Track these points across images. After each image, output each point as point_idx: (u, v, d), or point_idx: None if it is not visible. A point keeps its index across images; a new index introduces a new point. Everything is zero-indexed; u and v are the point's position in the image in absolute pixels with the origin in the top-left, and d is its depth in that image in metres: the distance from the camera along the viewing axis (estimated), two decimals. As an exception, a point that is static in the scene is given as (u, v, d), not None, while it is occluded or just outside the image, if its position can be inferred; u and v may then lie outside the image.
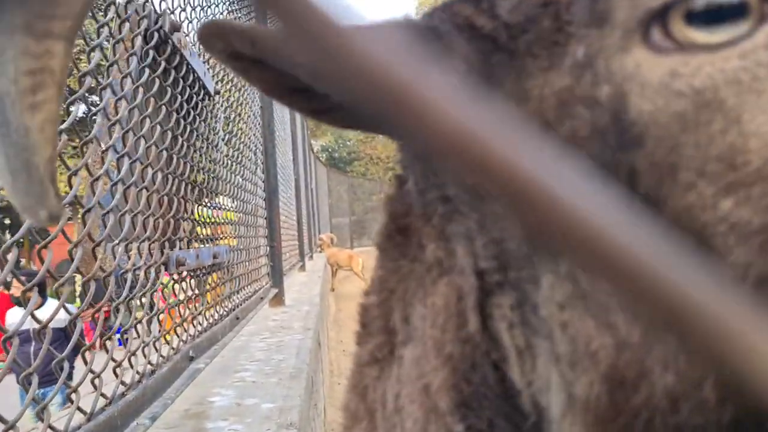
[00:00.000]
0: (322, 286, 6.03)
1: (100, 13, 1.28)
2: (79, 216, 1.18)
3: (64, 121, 1.05)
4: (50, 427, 1.00)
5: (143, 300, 1.49)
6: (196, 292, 1.97)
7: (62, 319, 1.40)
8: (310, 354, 2.47)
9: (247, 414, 1.66)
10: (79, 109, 1.15)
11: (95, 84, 1.18)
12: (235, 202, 2.67)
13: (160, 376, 1.50)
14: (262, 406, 1.73)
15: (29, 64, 0.27)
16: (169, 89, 1.72)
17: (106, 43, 1.29)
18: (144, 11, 1.51)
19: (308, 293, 4.62)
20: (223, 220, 2.40)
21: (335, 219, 18.28)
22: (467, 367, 0.35)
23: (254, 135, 3.52)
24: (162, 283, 1.60)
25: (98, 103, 1.30)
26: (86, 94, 1.18)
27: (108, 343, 1.26)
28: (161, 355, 1.60)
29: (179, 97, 1.84)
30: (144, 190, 1.50)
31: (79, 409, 1.11)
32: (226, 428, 1.57)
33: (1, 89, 0.27)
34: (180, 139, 1.85)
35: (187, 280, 1.91)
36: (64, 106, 1.06)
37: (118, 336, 1.44)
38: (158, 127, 1.61)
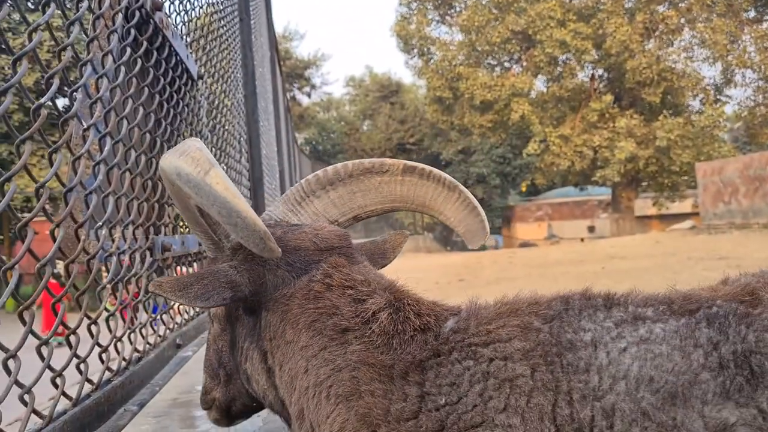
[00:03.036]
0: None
1: (79, -14, 1.23)
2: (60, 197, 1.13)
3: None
4: (34, 411, 0.96)
5: (130, 284, 1.45)
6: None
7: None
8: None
9: (237, 401, 1.62)
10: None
11: (74, 59, 1.14)
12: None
13: (148, 363, 1.46)
14: (253, 394, 1.69)
15: None
16: (151, 70, 1.67)
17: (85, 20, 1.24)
18: (124, -13, 1.47)
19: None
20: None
21: (320, 212, 18.16)
22: None
23: (238, 124, 3.47)
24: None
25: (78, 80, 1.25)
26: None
27: (93, 328, 1.22)
28: (148, 343, 1.56)
29: (162, 79, 1.80)
30: (128, 173, 1.46)
31: (64, 394, 1.07)
32: (216, 415, 1.53)
33: None
34: (163, 123, 1.81)
35: (173, 267, 1.87)
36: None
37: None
38: (141, 108, 1.56)
